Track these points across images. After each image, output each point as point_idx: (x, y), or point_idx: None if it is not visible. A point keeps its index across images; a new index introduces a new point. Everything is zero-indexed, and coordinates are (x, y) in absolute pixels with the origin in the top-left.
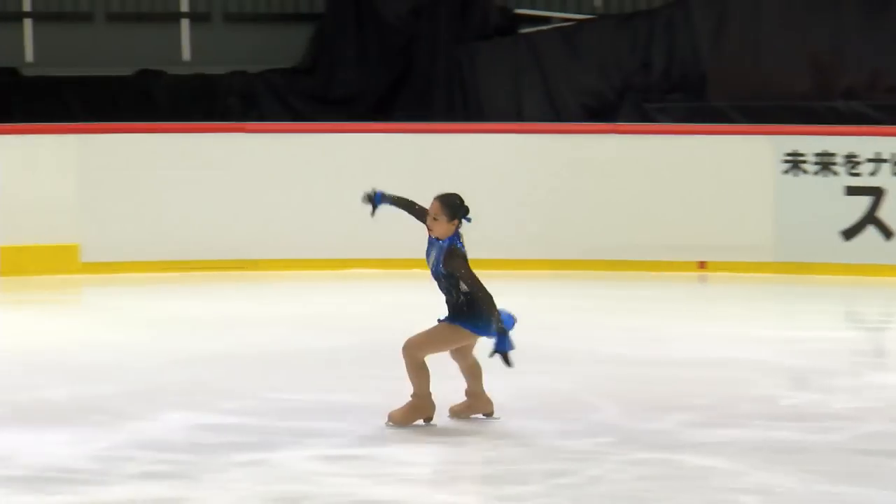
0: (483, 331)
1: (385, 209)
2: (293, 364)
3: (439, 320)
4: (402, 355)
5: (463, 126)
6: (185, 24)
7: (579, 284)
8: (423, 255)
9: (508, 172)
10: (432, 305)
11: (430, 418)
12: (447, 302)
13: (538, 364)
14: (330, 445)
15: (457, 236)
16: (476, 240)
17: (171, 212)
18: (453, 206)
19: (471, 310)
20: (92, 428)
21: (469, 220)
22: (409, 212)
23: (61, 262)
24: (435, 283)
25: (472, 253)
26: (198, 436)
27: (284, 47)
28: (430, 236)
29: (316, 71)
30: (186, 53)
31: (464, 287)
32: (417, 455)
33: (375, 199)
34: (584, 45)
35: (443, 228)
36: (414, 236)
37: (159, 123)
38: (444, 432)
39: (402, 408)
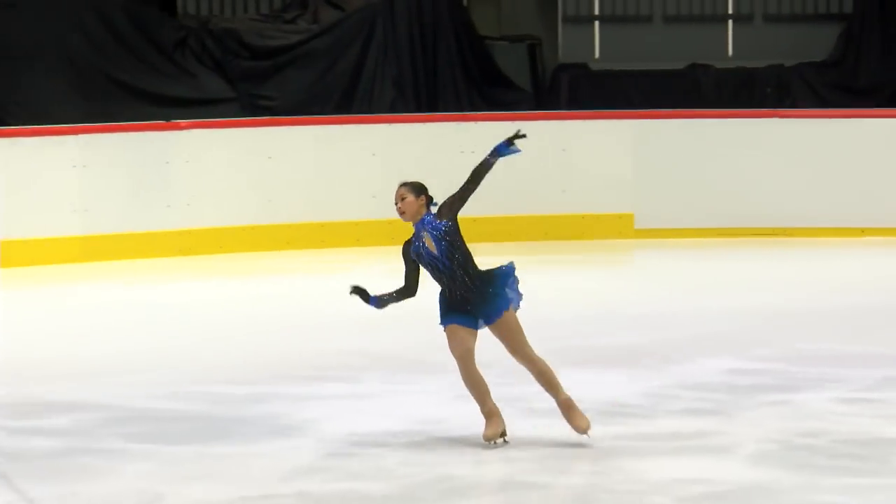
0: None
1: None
2: (811, 318)
3: (446, 325)
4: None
5: None
6: (729, 23)
7: None
8: None
9: None
10: None
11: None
12: (464, 280)
13: None
14: (847, 389)
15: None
16: None
17: (715, 186)
18: (416, 185)
19: (487, 276)
20: (643, 370)
21: (435, 204)
22: (399, 297)
23: (617, 228)
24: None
25: None
26: (732, 379)
27: (816, 43)
28: (415, 241)
29: (843, 64)
30: (730, 49)
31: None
32: None
33: (370, 301)
34: None
35: (413, 206)
36: None
37: (706, 110)
38: None
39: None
